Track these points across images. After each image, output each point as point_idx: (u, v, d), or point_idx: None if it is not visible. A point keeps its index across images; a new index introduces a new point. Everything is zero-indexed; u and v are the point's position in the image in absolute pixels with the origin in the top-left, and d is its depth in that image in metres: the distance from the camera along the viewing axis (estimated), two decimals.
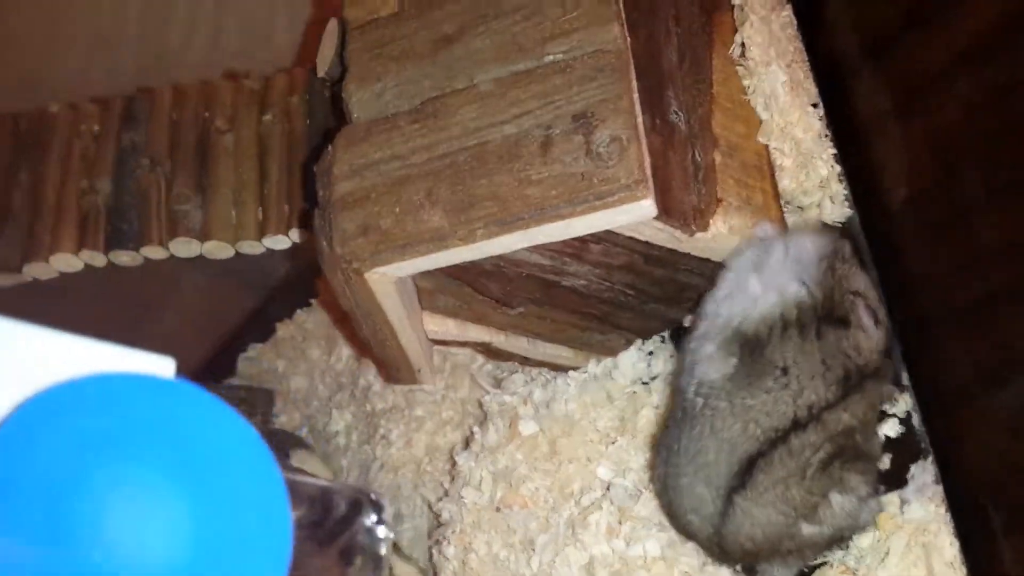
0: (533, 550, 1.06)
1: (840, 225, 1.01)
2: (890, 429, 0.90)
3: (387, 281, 0.88)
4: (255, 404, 1.87)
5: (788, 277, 0.88)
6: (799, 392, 0.83)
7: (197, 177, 1.33)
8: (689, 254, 0.94)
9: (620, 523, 1.01)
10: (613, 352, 1.14)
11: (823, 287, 0.88)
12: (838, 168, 1.02)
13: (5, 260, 1.30)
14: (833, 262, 0.89)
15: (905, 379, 0.92)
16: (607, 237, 0.90)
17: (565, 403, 1.13)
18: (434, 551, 1.18)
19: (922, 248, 0.97)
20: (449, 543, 1.16)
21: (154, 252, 1.29)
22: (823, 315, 0.86)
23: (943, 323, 0.92)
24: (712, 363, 0.87)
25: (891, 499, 0.86)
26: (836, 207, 1.02)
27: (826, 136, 1.04)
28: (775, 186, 1.00)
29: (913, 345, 0.91)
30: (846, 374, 0.84)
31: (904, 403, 0.90)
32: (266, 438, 1.28)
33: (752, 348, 0.86)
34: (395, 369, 1.05)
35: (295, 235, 1.29)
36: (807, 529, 0.84)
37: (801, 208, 1.04)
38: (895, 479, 0.88)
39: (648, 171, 0.80)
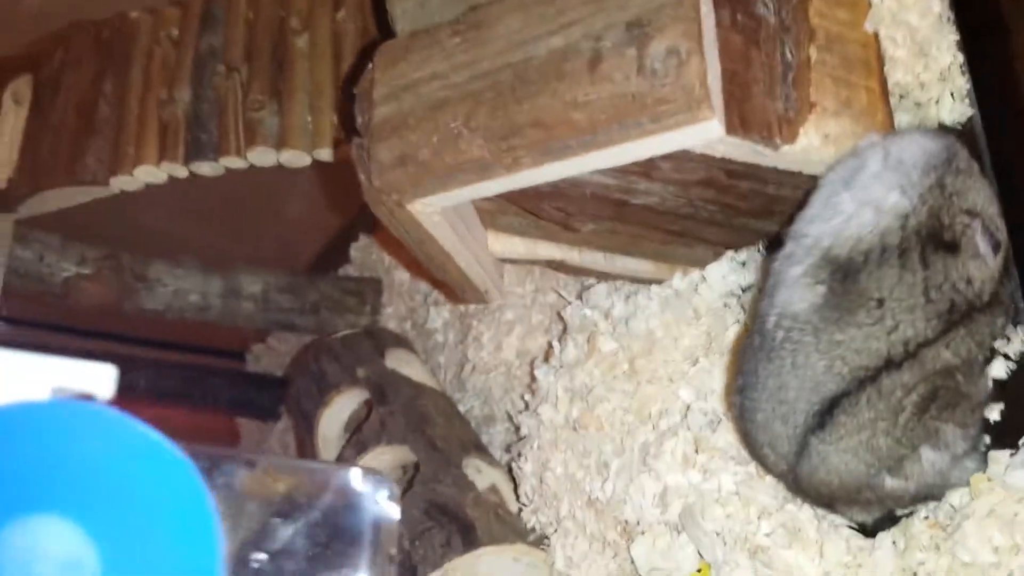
0: (608, 474, 1.02)
1: (959, 127, 0.87)
2: (999, 370, 0.79)
3: (433, 211, 0.82)
4: (364, 295, 1.89)
5: (886, 187, 0.76)
6: (894, 327, 0.73)
7: (273, 82, 1.29)
8: (777, 168, 0.83)
9: (696, 452, 0.95)
10: (701, 264, 1.05)
11: (930, 203, 0.75)
12: (962, 57, 0.87)
13: (94, 173, 1.32)
14: (944, 173, 0.76)
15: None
16: (677, 154, 0.81)
17: (646, 320, 1.06)
18: (513, 464, 1.16)
19: None
20: (527, 459, 1.13)
21: (233, 162, 1.27)
22: (928, 238, 0.74)
23: None
24: (796, 290, 0.77)
25: (996, 457, 0.76)
26: (958, 104, 0.87)
27: (948, 19, 0.89)
28: (884, 83, 0.87)
29: None
30: (952, 307, 0.73)
31: (1020, 342, 0.78)
32: (366, 335, 1.28)
33: (844, 275, 0.75)
34: (460, 290, 1.00)
35: None
36: (890, 483, 0.76)
37: (919, 105, 0.90)
38: (1005, 435, 0.77)
39: (712, 86, 0.70)
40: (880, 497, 0.78)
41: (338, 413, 1.43)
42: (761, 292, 0.83)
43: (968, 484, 0.76)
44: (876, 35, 0.88)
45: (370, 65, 0.83)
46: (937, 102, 0.87)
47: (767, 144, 0.79)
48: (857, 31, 0.87)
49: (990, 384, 0.78)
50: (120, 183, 1.31)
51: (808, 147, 0.80)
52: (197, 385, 2.17)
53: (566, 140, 0.73)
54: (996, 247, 0.76)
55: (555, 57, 0.74)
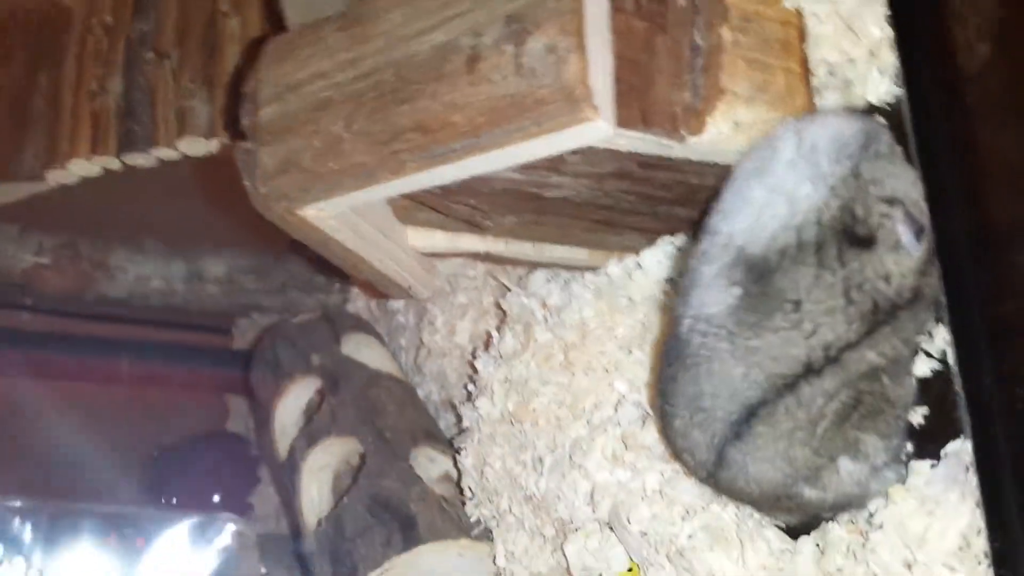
0: (542, 470, 0.99)
1: (886, 108, 0.82)
2: (923, 369, 0.75)
3: (327, 216, 0.78)
4: (333, 274, 1.86)
5: (798, 178, 0.70)
6: (813, 331, 0.68)
7: (204, 68, 1.25)
8: (690, 159, 0.79)
9: (626, 449, 0.92)
10: (636, 250, 1.01)
11: (842, 196, 0.70)
12: (891, 32, 0.82)
13: (31, 169, 1.29)
14: (859, 160, 0.71)
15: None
16: (581, 149, 0.76)
17: (580, 310, 1.02)
18: (457, 457, 1.14)
19: (992, 132, 0.78)
20: (467, 453, 1.11)
21: (166, 153, 1.24)
22: (843, 233, 0.69)
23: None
24: (711, 292, 0.72)
25: (916, 468, 0.72)
26: (886, 83, 0.82)
27: None
28: (805, 63, 0.82)
29: (964, 264, 0.74)
30: (875, 307, 0.68)
31: (942, 339, 0.74)
32: (324, 319, 1.26)
33: (759, 276, 0.70)
34: (381, 287, 0.97)
35: None
36: (808, 493, 0.72)
37: (848, 84, 0.84)
38: (927, 440, 0.74)
39: (596, 83, 0.66)
40: (799, 505, 0.75)
41: (294, 402, 1.41)
42: (676, 293, 0.79)
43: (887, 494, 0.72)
44: (799, 11, 0.82)
45: (256, 64, 0.79)
46: (864, 81, 0.82)
47: (672, 136, 0.75)
48: (776, 8, 0.82)
49: (915, 385, 0.74)
50: (55, 177, 1.28)
51: (717, 137, 0.76)
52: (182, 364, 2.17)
53: (449, 144, 0.69)
54: (919, 233, 0.71)
55: (436, 55, 0.70)
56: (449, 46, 0.70)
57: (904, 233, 0.70)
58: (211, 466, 2.12)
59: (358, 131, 0.72)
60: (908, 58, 0.81)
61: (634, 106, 0.73)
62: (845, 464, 0.71)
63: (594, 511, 0.93)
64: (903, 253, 0.70)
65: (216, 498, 2.18)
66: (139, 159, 1.24)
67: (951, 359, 0.73)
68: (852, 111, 0.79)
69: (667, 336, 0.84)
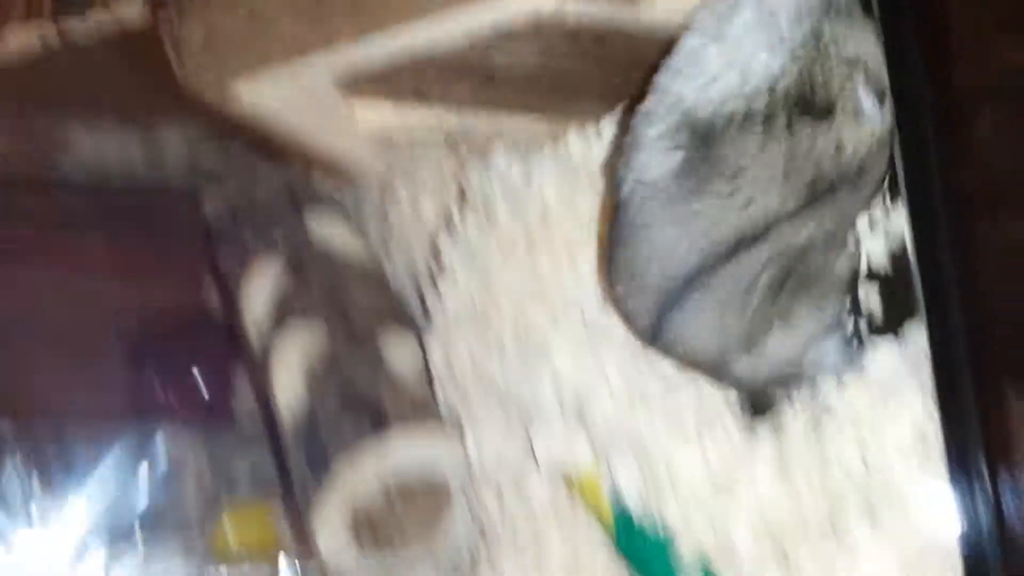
0: (506, 359, 0.97)
1: None
2: (879, 250, 0.71)
3: (261, 96, 0.72)
4: None
5: (755, 44, 0.66)
6: (750, 199, 0.66)
7: None
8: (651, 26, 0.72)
9: (587, 336, 0.89)
10: (596, 117, 0.95)
11: (802, 60, 0.66)
12: None
13: None
14: (820, 18, 0.66)
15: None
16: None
17: (540, 187, 0.97)
18: (423, 342, 1.11)
19: None
20: (432, 340, 1.08)
21: (103, 16, 1.15)
22: (797, 101, 0.65)
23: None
24: (653, 154, 0.69)
25: (873, 355, 0.69)
26: None
27: None
28: None
29: (923, 133, 0.69)
30: (814, 180, 0.65)
31: (898, 218, 0.70)
32: (285, 195, 1.20)
33: (703, 140, 0.67)
34: (330, 172, 0.92)
35: None
36: (744, 362, 0.72)
37: None
38: (886, 321, 0.71)
39: None
40: (738, 377, 0.74)
41: (261, 284, 1.37)
42: (618, 154, 0.74)
43: (831, 367, 0.72)
44: None
45: None
46: None
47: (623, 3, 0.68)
48: None
49: (858, 260, 0.71)
50: None
51: (669, 7, 0.69)
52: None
53: (381, 16, 0.62)
54: (881, 97, 0.67)
55: None
56: None
57: (865, 98, 0.66)
58: (191, 361, 2.03)
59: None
60: None
61: None
62: (778, 333, 0.71)
63: (559, 401, 0.90)
64: (861, 122, 0.66)
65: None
66: (76, 24, 1.15)
67: (908, 238, 0.69)
68: None
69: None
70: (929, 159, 0.69)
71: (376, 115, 0.89)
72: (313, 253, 1.32)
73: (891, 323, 0.70)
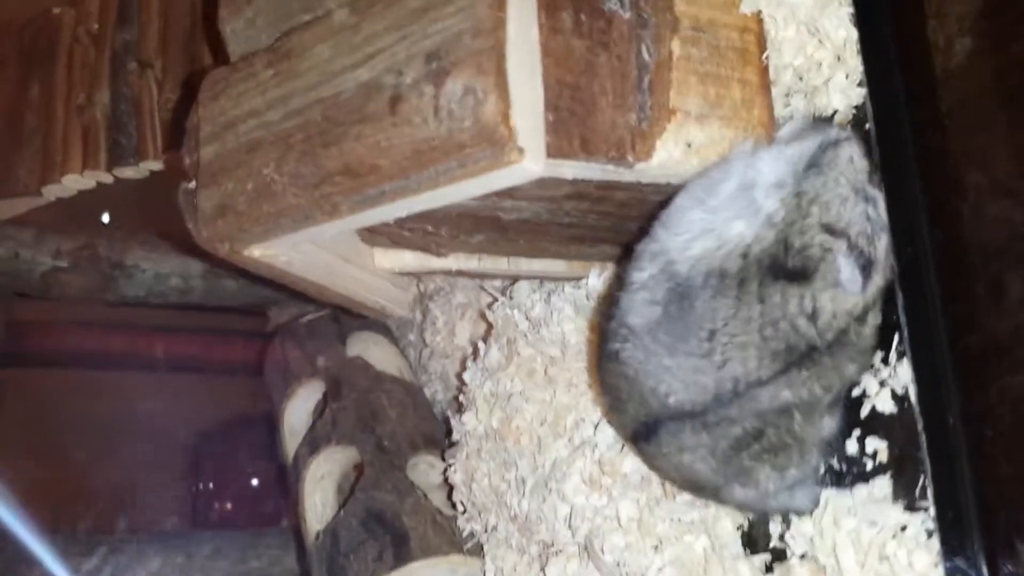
0: (524, 491, 0.98)
1: (852, 114, 0.77)
2: (884, 404, 0.70)
3: (276, 255, 0.77)
4: None
5: (734, 214, 0.68)
6: (723, 363, 0.66)
7: (188, 77, 1.23)
8: (641, 183, 0.75)
9: (602, 474, 0.90)
10: (614, 258, 0.98)
11: (780, 224, 0.66)
12: (855, 33, 0.76)
13: (26, 184, 1.30)
14: (802, 179, 0.67)
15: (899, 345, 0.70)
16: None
17: (560, 324, 1.00)
18: (449, 471, 1.12)
19: (968, 139, 0.72)
20: (456, 469, 1.10)
21: (154, 165, 1.24)
22: (770, 266, 0.66)
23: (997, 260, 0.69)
24: (635, 302, 0.70)
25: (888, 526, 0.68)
26: (851, 87, 0.77)
27: None
28: (764, 71, 0.77)
29: (928, 293, 0.69)
30: (788, 347, 0.65)
31: (902, 376, 0.70)
32: (331, 319, 1.25)
33: (681, 297, 0.68)
34: (354, 309, 0.95)
35: None
36: (715, 499, 0.76)
37: (816, 89, 0.79)
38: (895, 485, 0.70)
39: (521, 121, 0.62)
40: (740, 503, 0.75)
41: (302, 404, 1.41)
42: (612, 295, 0.77)
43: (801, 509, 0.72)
44: (758, 16, 0.77)
45: (197, 98, 0.77)
46: (827, 84, 0.77)
47: (618, 163, 0.71)
48: (732, 14, 0.76)
49: (835, 423, 0.70)
50: (52, 192, 1.28)
51: (668, 160, 0.72)
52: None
53: (378, 187, 0.66)
54: (866, 268, 0.66)
55: (360, 94, 0.67)
56: (372, 85, 0.67)
57: (844, 268, 0.66)
58: (246, 451, 2.16)
59: (288, 174, 0.70)
60: (874, 58, 0.75)
61: (573, 134, 0.69)
62: (737, 488, 0.71)
63: (573, 535, 0.91)
64: (840, 291, 0.65)
65: (254, 482, 2.23)
66: (128, 172, 1.23)
67: (913, 396, 0.68)
68: (814, 125, 0.74)
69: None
70: (934, 318, 0.69)
71: (396, 259, 0.92)
72: (352, 377, 1.36)
73: (898, 481, 0.69)
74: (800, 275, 0.65)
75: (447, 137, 0.62)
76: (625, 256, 0.91)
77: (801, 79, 0.80)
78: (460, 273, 0.97)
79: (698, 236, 0.68)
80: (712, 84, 0.74)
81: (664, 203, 0.75)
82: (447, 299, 1.34)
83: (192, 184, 0.75)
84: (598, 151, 0.70)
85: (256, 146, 0.72)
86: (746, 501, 0.72)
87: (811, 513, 0.71)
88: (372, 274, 0.92)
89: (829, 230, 0.66)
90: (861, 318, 0.66)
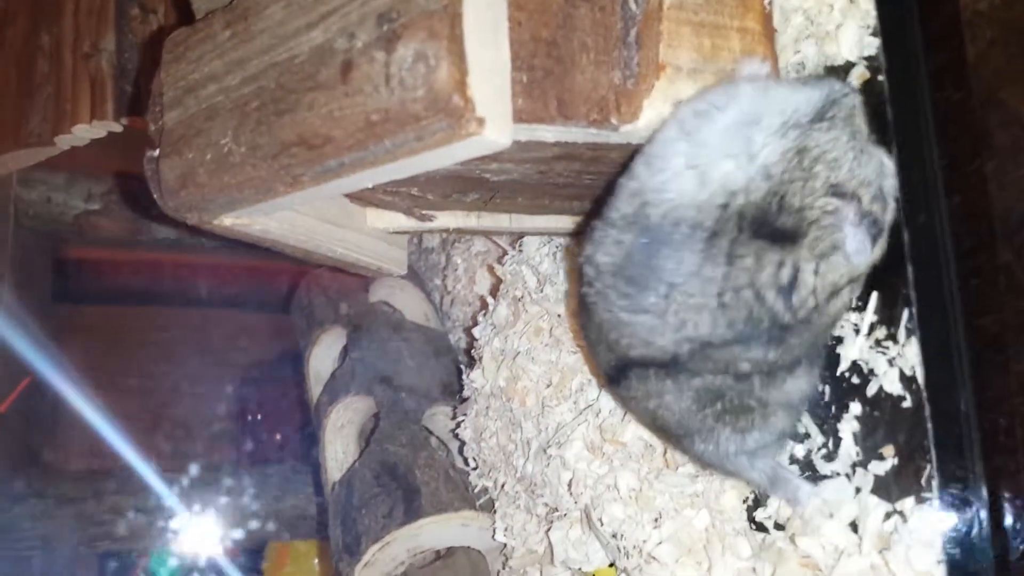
0: (528, 453, 0.95)
1: (864, 65, 0.69)
2: (891, 385, 0.65)
3: (250, 223, 0.73)
4: None
5: (723, 151, 0.60)
6: (680, 324, 0.60)
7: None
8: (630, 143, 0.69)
9: (603, 441, 0.86)
10: None
11: (777, 177, 0.59)
12: None
13: (39, 134, 1.28)
14: (807, 132, 0.59)
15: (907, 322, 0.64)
16: None
17: (566, 281, 0.95)
18: (459, 428, 1.10)
19: (999, 93, 0.65)
20: (466, 425, 1.07)
21: None
22: (752, 222, 0.58)
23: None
24: (606, 240, 0.64)
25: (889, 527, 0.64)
26: (864, 37, 0.69)
27: None
28: (767, 20, 0.69)
29: (942, 265, 0.63)
30: (750, 319, 0.59)
31: (908, 357, 0.64)
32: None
33: (647, 243, 0.61)
34: (348, 269, 0.92)
35: None
36: (676, 447, 0.74)
37: (828, 35, 0.72)
38: (899, 477, 0.65)
39: (481, 89, 0.57)
40: (698, 455, 0.71)
41: (326, 351, 1.40)
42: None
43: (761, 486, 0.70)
44: None
45: (161, 61, 0.73)
46: (839, 28, 0.69)
47: (600, 126, 0.65)
48: None
49: (802, 384, 0.64)
50: (65, 142, 1.27)
51: (657, 121, 0.66)
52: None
53: (336, 158, 0.62)
54: (875, 236, 0.59)
55: (313, 58, 0.62)
56: (325, 49, 0.62)
57: (852, 237, 0.58)
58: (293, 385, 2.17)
59: (246, 144, 0.66)
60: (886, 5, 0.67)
61: (549, 96, 0.63)
62: (697, 443, 0.68)
63: (575, 502, 0.88)
64: (833, 261, 0.59)
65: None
66: (138, 121, 1.21)
67: (920, 378, 0.62)
68: (820, 76, 0.67)
69: None
70: (949, 298, 0.62)
71: (391, 218, 0.88)
72: (372, 324, 1.34)
73: (904, 473, 0.63)
74: (787, 238, 0.58)
75: (400, 108, 0.57)
76: None
77: (812, 21, 0.72)
78: (460, 231, 0.92)
79: (678, 174, 0.60)
80: (708, 35, 0.67)
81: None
82: (467, 246, 1.31)
83: (156, 152, 0.71)
84: (577, 114, 0.64)
85: (215, 113, 0.68)
86: (705, 456, 0.69)
87: (771, 493, 0.67)
88: (364, 235, 0.88)
89: (837, 192, 0.58)
90: (838, 292, 0.59)
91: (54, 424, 1.83)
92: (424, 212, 0.81)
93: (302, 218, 0.79)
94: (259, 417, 2.19)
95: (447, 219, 0.90)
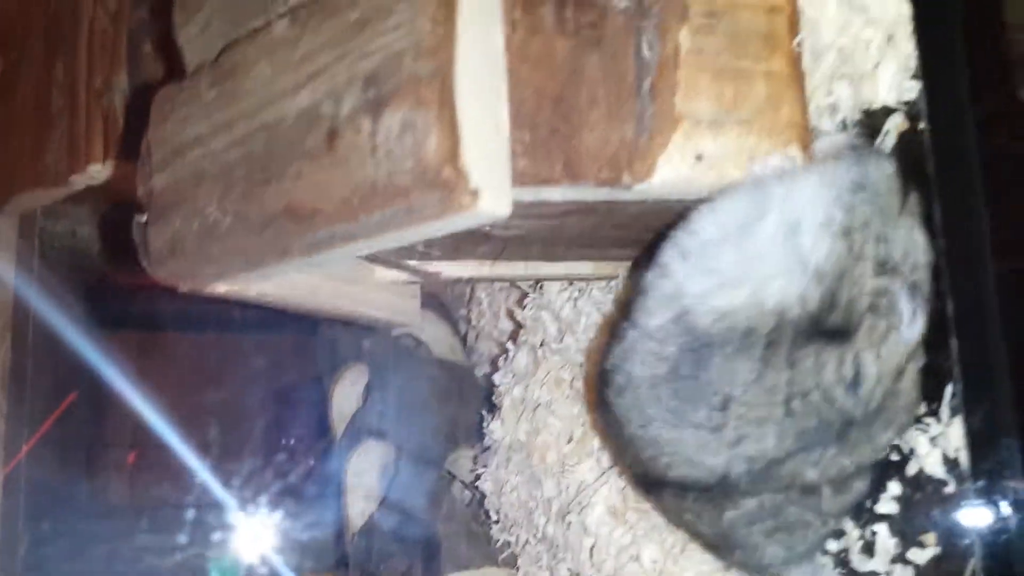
0: (550, 515, 0.90)
1: (904, 111, 0.63)
2: (930, 465, 0.59)
3: (244, 290, 0.69)
4: None
5: (775, 265, 0.56)
6: (738, 440, 0.55)
7: None
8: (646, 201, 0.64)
9: (626, 508, 0.81)
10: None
11: (829, 275, 0.54)
12: (908, 8, 0.62)
13: (55, 174, 1.26)
14: (853, 211, 0.55)
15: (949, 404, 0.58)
16: None
17: (586, 330, 0.90)
18: (480, 480, 1.05)
19: None
20: (487, 478, 1.03)
21: None
22: (809, 323, 0.54)
23: None
24: (639, 350, 0.60)
25: None
26: (904, 80, 0.63)
27: None
28: (795, 61, 0.64)
29: (989, 338, 0.57)
30: (821, 424, 0.54)
31: (952, 438, 0.58)
32: None
33: (696, 353, 0.57)
34: (356, 322, 0.88)
35: None
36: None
37: (864, 75, 0.66)
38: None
39: (474, 158, 0.52)
40: (739, 562, 0.66)
41: (350, 388, 1.36)
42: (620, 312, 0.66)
43: None
44: None
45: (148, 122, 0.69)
46: (876, 68, 0.63)
47: (611, 185, 0.60)
48: None
49: (864, 486, 0.59)
50: (80, 181, 1.24)
51: (674, 178, 0.60)
52: None
53: (325, 230, 0.58)
54: (920, 301, 0.55)
55: (300, 123, 0.58)
56: (311, 113, 0.57)
57: (907, 306, 0.54)
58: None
59: (232, 213, 0.62)
60: (931, 40, 0.61)
61: (555, 156, 0.58)
62: (737, 555, 0.63)
63: (597, 570, 0.83)
64: (891, 340, 0.54)
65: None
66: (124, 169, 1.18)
67: (965, 463, 0.56)
68: (849, 146, 0.61)
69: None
70: (998, 374, 0.57)
71: (396, 273, 0.84)
72: (396, 362, 1.30)
73: None
74: (840, 333, 0.54)
75: (388, 181, 0.53)
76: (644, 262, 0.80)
77: (846, 61, 0.66)
78: (473, 280, 0.87)
79: (727, 284, 0.56)
80: (729, 81, 0.62)
81: (683, 215, 0.64)
82: (489, 283, 1.26)
83: (144, 218, 0.68)
84: (586, 174, 0.59)
85: (201, 179, 0.64)
86: (740, 565, 0.65)
87: None
88: (372, 288, 0.84)
89: (885, 269, 0.54)
90: (902, 372, 0.54)
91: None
92: (429, 270, 0.76)
93: (304, 277, 0.75)
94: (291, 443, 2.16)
95: (457, 269, 0.86)
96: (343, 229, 0.57)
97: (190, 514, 1.64)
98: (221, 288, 0.69)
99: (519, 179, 0.57)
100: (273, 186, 0.59)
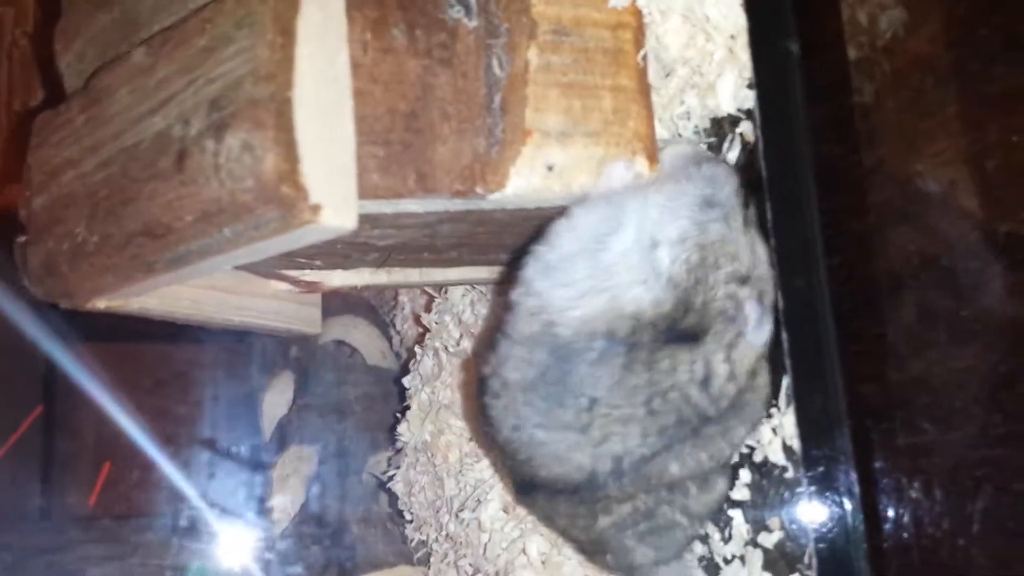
0: (450, 514, 0.93)
1: (743, 118, 0.66)
2: (773, 453, 0.62)
3: (125, 304, 0.72)
4: None
5: (630, 276, 0.59)
6: (603, 439, 0.59)
7: None
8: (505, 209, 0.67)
9: (515, 502, 0.84)
10: None
11: (682, 284, 0.58)
12: (745, 21, 0.65)
13: None
14: (704, 229, 0.59)
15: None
16: None
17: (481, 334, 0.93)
18: (392, 481, 1.08)
19: (886, 148, 0.62)
20: (398, 479, 1.05)
21: None
22: (666, 327, 0.58)
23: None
24: (511, 358, 0.63)
25: None
26: (740, 89, 0.66)
27: None
28: (641, 76, 0.67)
29: (822, 336, 0.60)
30: (679, 421, 0.57)
31: (788, 426, 0.61)
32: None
33: (561, 360, 0.60)
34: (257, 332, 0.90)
35: None
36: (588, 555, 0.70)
37: (710, 88, 0.69)
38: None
39: (315, 176, 0.55)
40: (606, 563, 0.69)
41: (279, 396, 1.39)
42: (487, 333, 0.69)
43: None
44: (635, 9, 0.67)
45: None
46: (718, 79, 0.66)
47: (466, 196, 0.63)
48: (603, 11, 0.66)
49: (726, 483, 0.62)
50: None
51: (526, 188, 0.63)
52: None
53: (183, 246, 0.60)
54: (767, 306, 0.59)
55: (154, 146, 0.61)
56: (164, 136, 0.60)
57: (753, 311, 0.58)
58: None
59: (98, 233, 0.64)
60: (765, 52, 0.64)
61: (408, 171, 0.61)
62: (609, 559, 0.66)
63: (492, 566, 0.86)
64: (742, 346, 0.57)
65: None
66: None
67: (799, 450, 0.60)
68: (696, 159, 0.64)
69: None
70: (828, 367, 0.60)
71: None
72: (321, 371, 1.32)
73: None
74: (693, 336, 0.57)
75: (231, 199, 0.55)
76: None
77: (697, 72, 0.69)
78: (369, 288, 0.90)
79: (586, 294, 0.59)
80: (577, 95, 0.65)
81: (542, 229, 0.67)
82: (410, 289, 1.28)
83: (23, 238, 0.70)
84: (440, 186, 0.62)
85: (71, 201, 0.66)
86: (612, 567, 0.67)
87: None
88: (266, 298, 0.86)
89: (734, 278, 0.58)
90: (755, 372, 0.58)
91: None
92: (308, 280, 0.79)
93: (187, 290, 0.77)
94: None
95: (351, 277, 0.88)
96: (198, 245, 0.60)
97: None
98: (100, 304, 0.71)
99: (373, 192, 0.60)
100: (132, 206, 0.61)
